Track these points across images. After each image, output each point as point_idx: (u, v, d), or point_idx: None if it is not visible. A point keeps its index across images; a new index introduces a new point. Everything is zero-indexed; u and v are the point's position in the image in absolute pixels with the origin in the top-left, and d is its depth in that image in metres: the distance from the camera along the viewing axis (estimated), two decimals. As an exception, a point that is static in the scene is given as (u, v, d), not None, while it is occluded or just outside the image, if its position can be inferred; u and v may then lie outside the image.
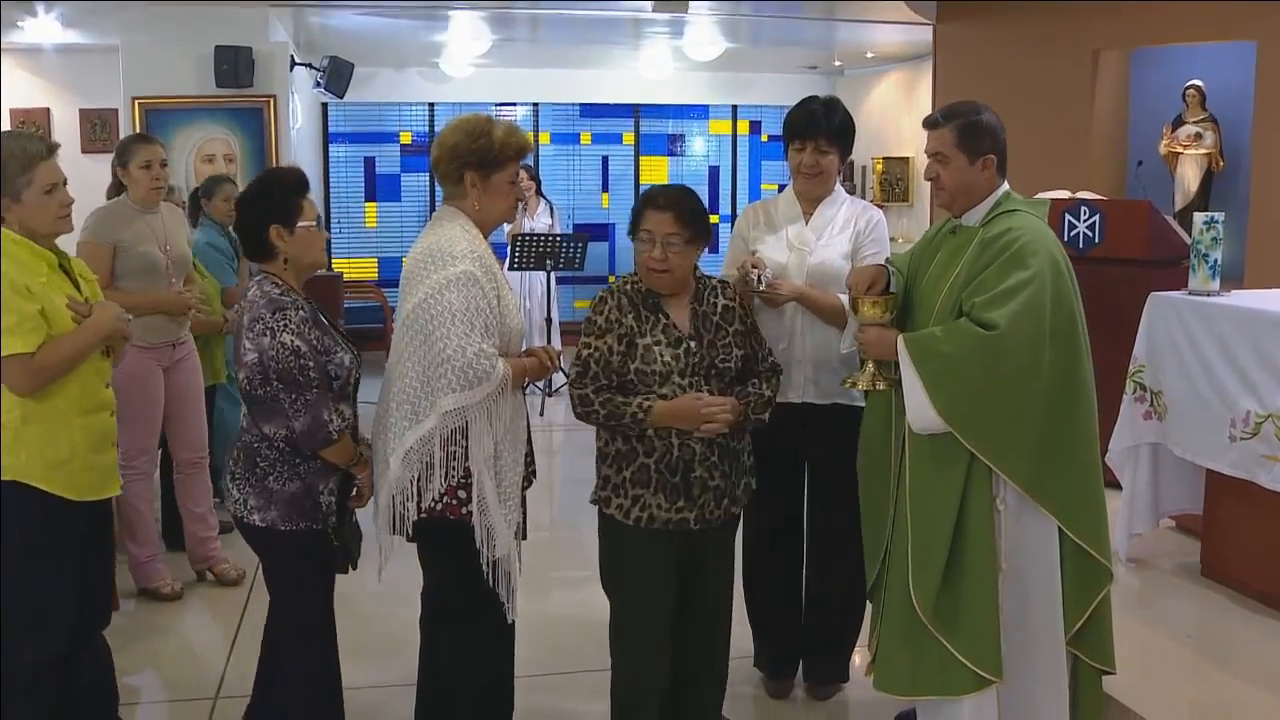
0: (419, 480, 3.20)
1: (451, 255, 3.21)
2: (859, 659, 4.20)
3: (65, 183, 3.36)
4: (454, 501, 3.25)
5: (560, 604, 4.71)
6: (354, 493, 3.37)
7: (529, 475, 3.44)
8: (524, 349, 3.48)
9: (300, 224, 3.24)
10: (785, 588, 4.11)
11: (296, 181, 3.29)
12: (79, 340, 3.25)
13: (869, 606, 3.75)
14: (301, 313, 3.18)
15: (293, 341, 3.11)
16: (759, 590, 4.14)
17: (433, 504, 3.23)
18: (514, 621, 3.40)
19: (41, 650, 3.28)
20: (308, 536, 3.25)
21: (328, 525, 3.27)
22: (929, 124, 3.35)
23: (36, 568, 3.25)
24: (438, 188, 11.70)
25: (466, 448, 3.21)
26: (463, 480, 3.23)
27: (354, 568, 3.44)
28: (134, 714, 4.02)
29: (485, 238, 3.36)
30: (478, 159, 3.29)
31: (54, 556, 3.28)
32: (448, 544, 3.29)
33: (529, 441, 3.43)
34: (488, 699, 3.45)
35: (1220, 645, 4.29)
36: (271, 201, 3.24)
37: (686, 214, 3.35)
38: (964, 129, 3.29)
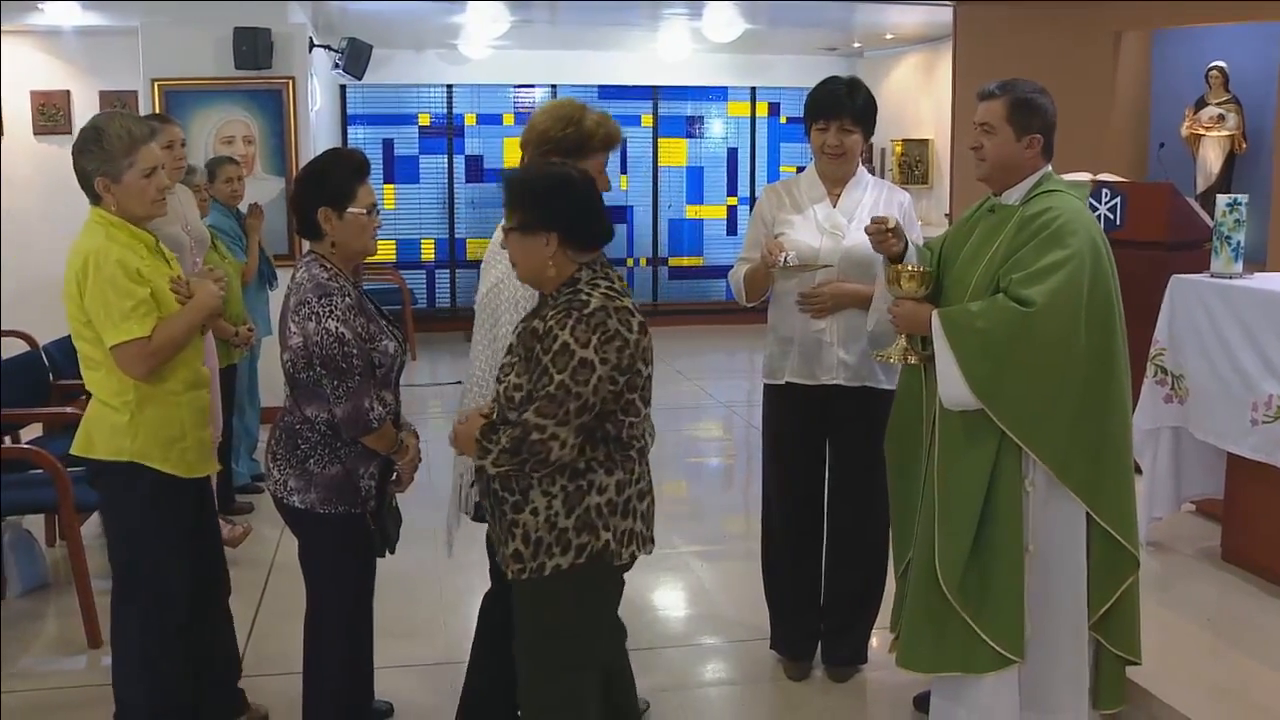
0: None
1: None
2: (877, 641, 4.20)
3: (163, 166, 3.38)
4: None
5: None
6: (394, 478, 3.37)
7: None
8: None
9: (351, 209, 3.19)
10: (804, 569, 4.11)
11: (355, 165, 3.25)
12: (187, 319, 3.31)
13: (887, 588, 3.76)
14: (348, 299, 3.16)
15: (337, 328, 3.09)
16: (777, 571, 4.14)
17: None
18: None
19: (169, 622, 3.39)
20: (346, 520, 3.25)
21: (366, 509, 3.27)
22: (983, 94, 3.34)
23: (160, 543, 3.36)
24: (456, 170, 11.61)
25: None
26: None
27: (391, 552, 3.45)
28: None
29: None
30: (566, 146, 3.30)
31: (172, 532, 3.38)
32: None
33: None
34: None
35: (1240, 629, 4.28)
36: (325, 183, 3.21)
37: (513, 198, 2.90)
38: (1016, 104, 3.27)
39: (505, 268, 3.16)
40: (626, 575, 3.00)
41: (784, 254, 3.72)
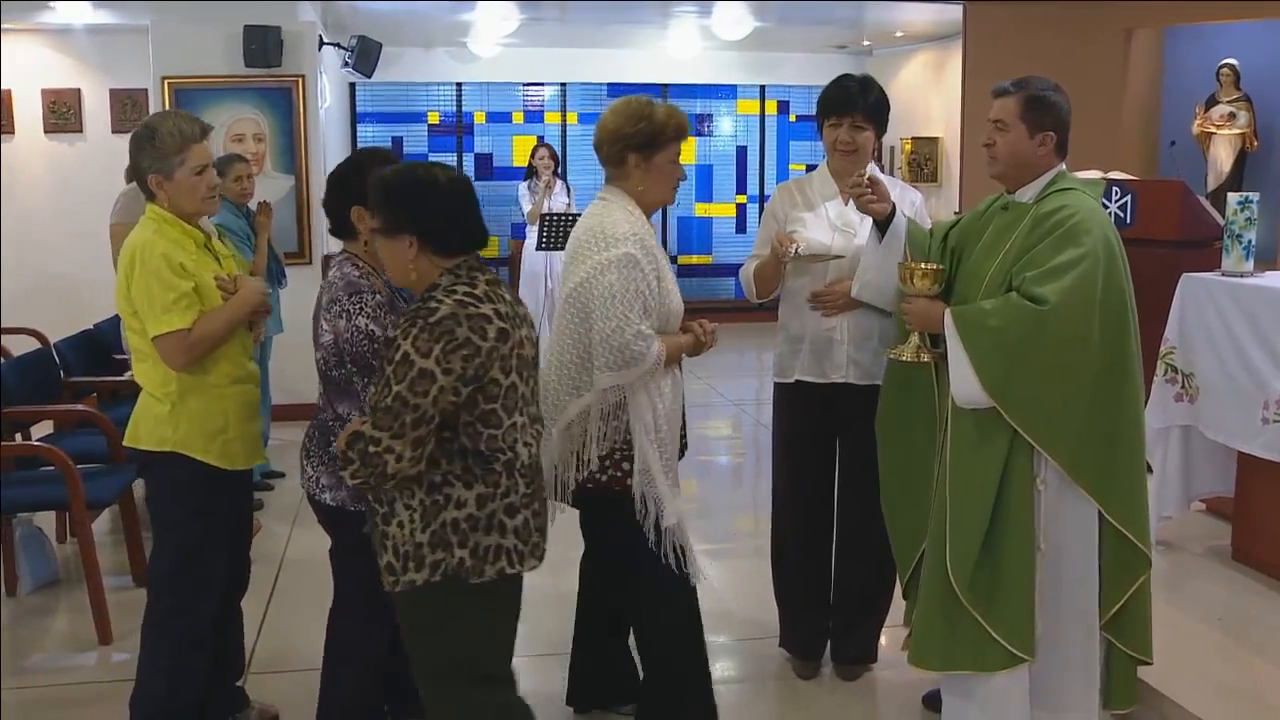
0: (581, 451, 3.33)
1: (614, 237, 3.27)
2: (886, 639, 4.20)
3: (213, 165, 3.48)
4: (618, 474, 3.34)
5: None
6: None
7: (682, 447, 3.54)
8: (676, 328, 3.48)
9: None
10: (813, 567, 4.11)
11: (387, 164, 3.26)
12: (228, 314, 3.37)
13: (896, 587, 3.75)
14: (378, 297, 3.16)
15: (367, 325, 3.09)
16: (786, 569, 4.14)
17: (595, 474, 3.34)
18: (694, 585, 3.48)
19: (203, 613, 3.45)
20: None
21: None
22: (998, 91, 3.34)
23: (198, 533, 3.41)
24: (465, 167, 11.63)
25: (626, 421, 3.31)
26: (625, 453, 3.33)
27: None
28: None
29: (648, 218, 3.42)
30: (640, 141, 3.35)
31: (211, 522, 3.43)
32: (609, 513, 3.39)
33: (683, 414, 3.53)
34: (696, 654, 3.54)
35: (1251, 628, 4.27)
36: (357, 182, 3.19)
37: (373, 199, 2.82)
38: (1030, 101, 3.27)
39: (594, 263, 3.25)
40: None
41: (794, 245, 3.73)
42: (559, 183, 9.89)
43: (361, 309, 3.11)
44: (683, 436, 3.56)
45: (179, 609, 3.43)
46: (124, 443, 3.50)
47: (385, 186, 2.77)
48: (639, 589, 3.49)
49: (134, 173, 3.44)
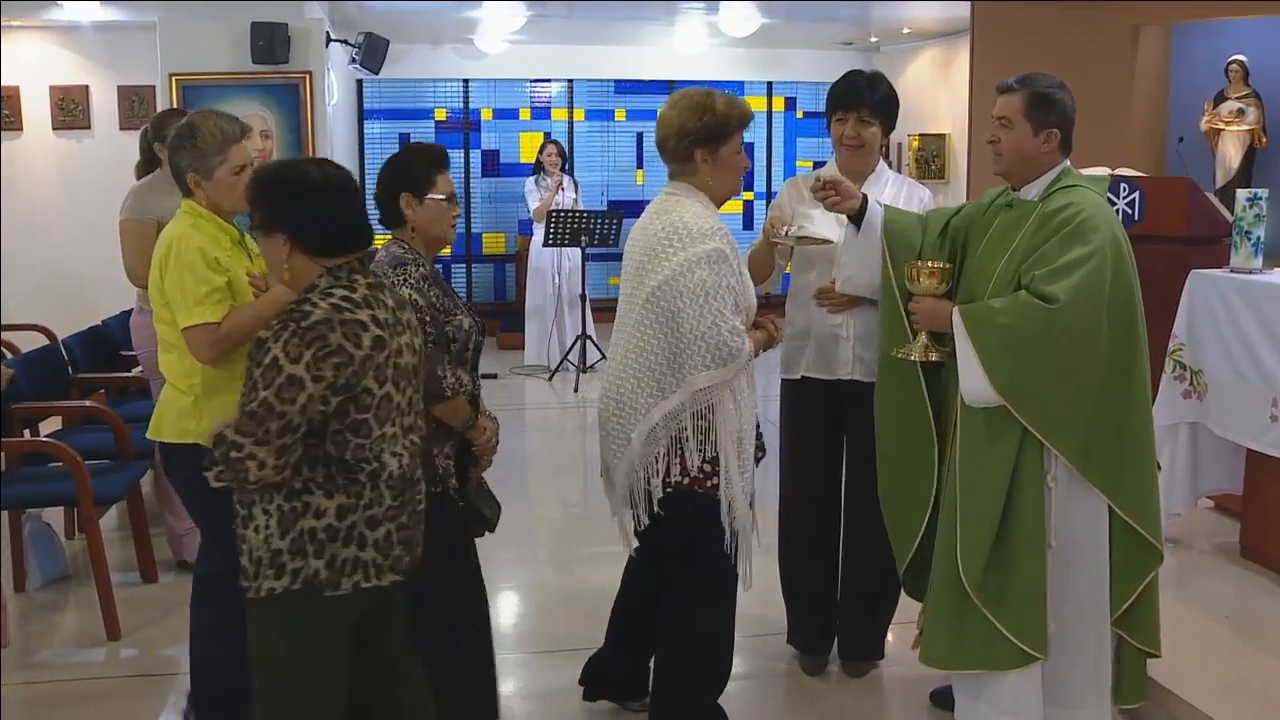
0: (665, 455, 3.29)
1: (700, 232, 3.26)
2: (893, 636, 4.20)
3: (253, 164, 3.46)
4: (700, 476, 3.33)
5: (591, 578, 4.74)
6: (473, 460, 3.36)
7: (759, 448, 3.51)
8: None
9: (430, 196, 3.26)
10: (820, 564, 4.11)
11: (435, 155, 3.33)
12: (257, 310, 3.36)
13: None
14: (422, 269, 3.21)
15: (410, 295, 3.11)
16: (794, 566, 4.14)
17: (680, 479, 3.31)
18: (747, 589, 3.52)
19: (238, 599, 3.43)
20: (429, 500, 3.22)
21: (447, 488, 3.26)
22: (1002, 88, 3.34)
23: (228, 525, 3.36)
24: (472, 164, 11.62)
25: (713, 422, 3.29)
26: (708, 454, 3.31)
27: (491, 531, 3.48)
28: (171, 684, 4.07)
29: (718, 211, 3.42)
30: (706, 134, 3.34)
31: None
32: (692, 518, 3.37)
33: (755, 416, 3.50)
34: (722, 659, 3.58)
35: (1259, 625, 4.26)
36: (405, 170, 3.28)
37: (251, 196, 2.75)
38: (1034, 98, 3.27)
39: (680, 260, 3.22)
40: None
41: (784, 228, 3.71)
42: (566, 179, 9.90)
43: (405, 279, 3.13)
44: (759, 438, 3.51)
45: (221, 602, 3.40)
46: (147, 435, 3.51)
47: (259, 183, 2.69)
48: (693, 588, 3.47)
49: (172, 170, 3.48)
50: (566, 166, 10.15)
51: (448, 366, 3.19)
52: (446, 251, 11.98)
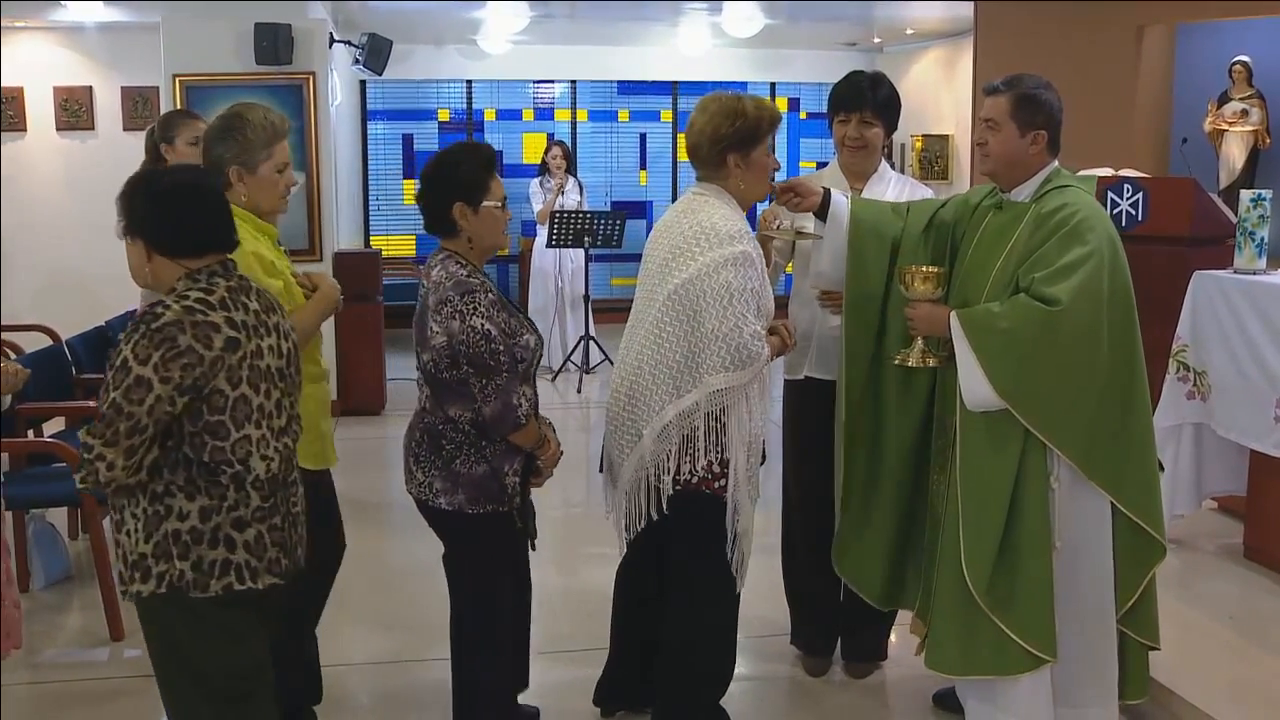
0: (676, 453, 3.30)
1: (728, 235, 3.27)
2: (896, 637, 4.20)
3: (291, 165, 3.37)
4: (708, 476, 3.33)
5: (594, 578, 4.73)
6: (534, 472, 3.36)
7: (760, 454, 3.52)
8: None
9: (485, 203, 3.17)
10: (823, 564, 4.10)
11: (486, 159, 3.23)
12: (314, 311, 3.33)
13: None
14: (490, 295, 3.15)
15: (483, 325, 3.07)
16: (796, 567, 4.14)
17: (689, 477, 3.32)
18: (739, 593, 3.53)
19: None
20: (494, 519, 3.24)
21: (512, 506, 3.26)
22: (989, 90, 3.35)
23: None
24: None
25: (725, 424, 3.30)
26: (719, 455, 3.32)
27: (533, 547, 3.48)
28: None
29: (745, 213, 3.44)
30: (738, 139, 3.34)
31: None
32: (697, 517, 3.38)
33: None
34: (725, 659, 3.60)
35: (1262, 626, 4.26)
36: (458, 177, 3.17)
37: (118, 200, 2.74)
38: (1020, 99, 3.27)
39: (706, 261, 3.22)
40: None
41: (776, 220, 3.71)
42: (571, 180, 9.90)
43: (475, 308, 3.07)
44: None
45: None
46: None
47: (124, 188, 2.69)
48: (695, 587, 3.48)
49: (207, 161, 3.30)
50: (571, 168, 10.15)
51: (520, 391, 3.16)
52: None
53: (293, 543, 2.77)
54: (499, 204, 3.20)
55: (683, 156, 12.13)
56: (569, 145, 10.70)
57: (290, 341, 2.78)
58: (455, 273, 3.15)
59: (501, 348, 3.10)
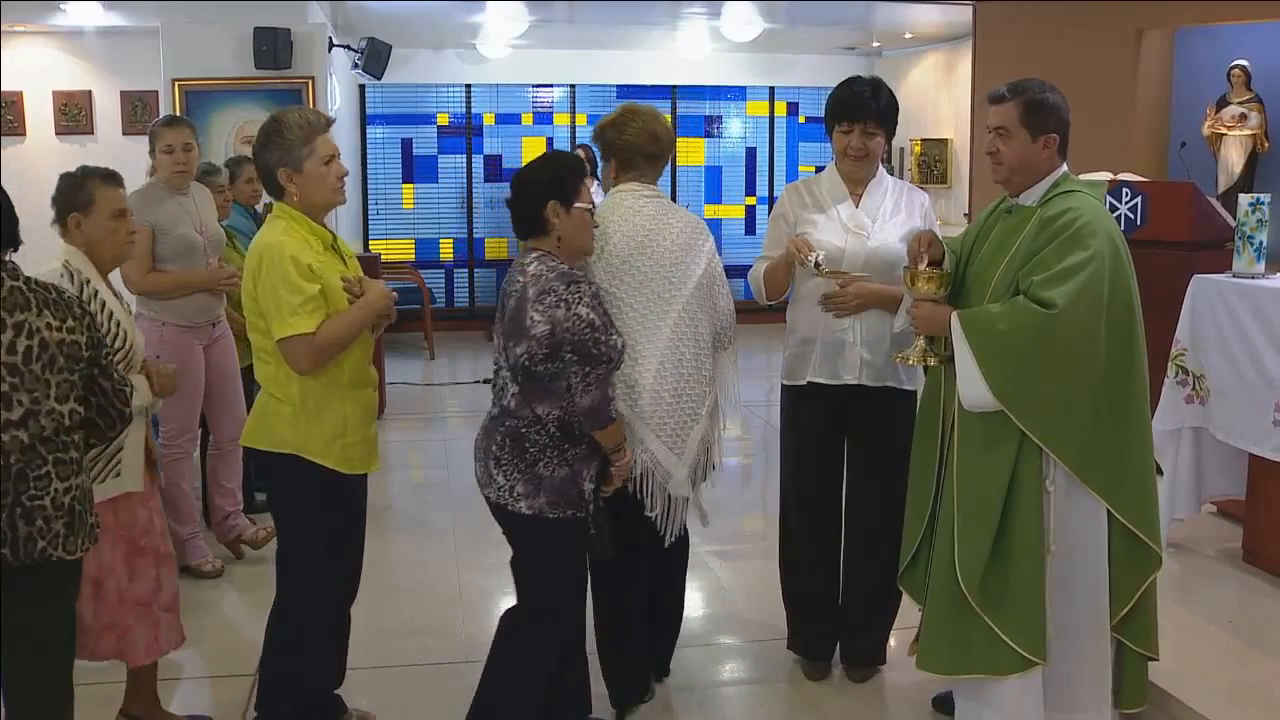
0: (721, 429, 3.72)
1: (703, 223, 3.77)
2: (895, 641, 4.19)
3: (339, 155, 3.42)
4: None
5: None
6: (604, 479, 3.37)
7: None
8: None
9: (577, 204, 3.27)
10: (822, 569, 4.10)
11: (578, 163, 3.36)
12: (355, 317, 3.32)
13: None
14: (592, 288, 3.25)
15: (588, 314, 3.14)
16: (796, 571, 4.14)
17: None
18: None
19: (325, 618, 3.50)
20: (571, 524, 3.25)
21: (587, 512, 3.27)
22: (994, 98, 3.33)
23: (315, 536, 3.40)
24: (475, 169, 11.57)
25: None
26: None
27: (618, 553, 3.44)
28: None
29: None
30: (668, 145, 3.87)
31: (328, 527, 3.42)
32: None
33: None
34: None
35: (1262, 630, 4.26)
36: (552, 178, 3.29)
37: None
38: (1030, 105, 3.26)
39: (710, 245, 3.67)
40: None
41: (814, 254, 3.70)
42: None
43: (580, 298, 3.16)
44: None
45: (296, 614, 3.46)
46: (242, 441, 3.48)
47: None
48: (680, 551, 3.87)
49: (260, 173, 3.39)
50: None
51: (612, 389, 3.28)
52: (448, 256, 12.06)
53: (20, 535, 2.71)
54: (589, 207, 3.31)
55: (682, 161, 12.32)
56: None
57: (35, 341, 2.85)
58: (555, 266, 3.24)
59: (603, 338, 3.18)
